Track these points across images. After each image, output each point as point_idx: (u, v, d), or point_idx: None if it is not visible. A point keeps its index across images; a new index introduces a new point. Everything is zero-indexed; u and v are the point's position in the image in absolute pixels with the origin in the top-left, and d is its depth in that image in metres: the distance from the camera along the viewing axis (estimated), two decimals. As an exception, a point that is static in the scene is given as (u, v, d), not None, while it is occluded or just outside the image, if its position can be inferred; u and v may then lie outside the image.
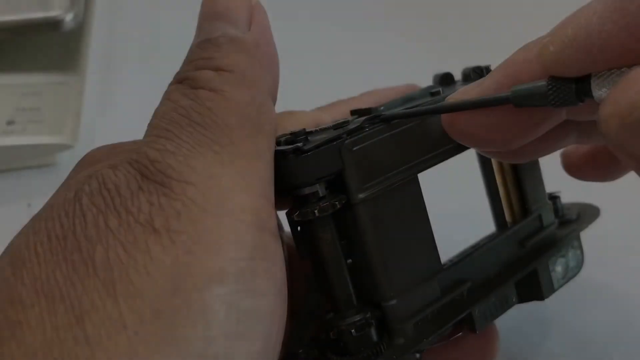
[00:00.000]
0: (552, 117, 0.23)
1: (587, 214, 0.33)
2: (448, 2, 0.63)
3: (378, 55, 0.57)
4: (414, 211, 0.25)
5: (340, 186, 0.24)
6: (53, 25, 0.46)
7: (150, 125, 0.22)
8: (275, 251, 0.21)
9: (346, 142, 0.24)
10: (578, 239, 0.31)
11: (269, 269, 0.20)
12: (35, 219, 0.21)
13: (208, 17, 0.25)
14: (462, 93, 0.23)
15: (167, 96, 0.23)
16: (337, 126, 0.25)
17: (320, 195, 0.24)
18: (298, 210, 0.24)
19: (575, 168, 0.31)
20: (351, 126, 0.24)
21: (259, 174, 0.21)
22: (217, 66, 0.23)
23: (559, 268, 0.30)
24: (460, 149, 0.26)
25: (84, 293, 0.18)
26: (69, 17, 0.46)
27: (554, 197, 0.33)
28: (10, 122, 0.45)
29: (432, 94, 0.28)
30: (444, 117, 0.24)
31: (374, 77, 0.37)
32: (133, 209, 0.19)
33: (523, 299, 0.29)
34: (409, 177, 0.25)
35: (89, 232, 0.19)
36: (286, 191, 0.24)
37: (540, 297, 0.29)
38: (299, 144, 0.23)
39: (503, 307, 0.28)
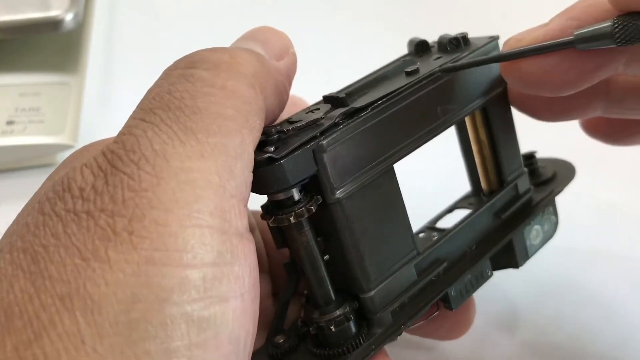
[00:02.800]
0: (611, 63, 0.23)
1: (563, 173, 0.32)
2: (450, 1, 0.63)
3: (376, 52, 0.57)
4: (390, 201, 0.25)
5: (315, 186, 0.23)
6: (53, 25, 0.46)
7: (139, 106, 0.21)
8: (242, 252, 0.20)
9: (320, 143, 0.23)
10: (553, 203, 0.31)
11: (233, 272, 0.19)
12: (4, 234, 0.20)
13: (244, 38, 0.25)
14: (527, 34, 0.24)
15: (164, 76, 0.22)
16: (309, 124, 0.23)
17: (295, 199, 0.23)
18: (273, 216, 0.23)
19: (591, 125, 0.31)
20: (325, 123, 0.23)
21: (237, 173, 0.20)
22: (230, 55, 0.22)
23: (533, 235, 0.30)
24: (434, 133, 0.26)
25: (42, 308, 0.17)
26: (69, 17, 0.46)
27: (529, 157, 0.33)
28: (10, 122, 0.45)
29: (408, 74, 0.26)
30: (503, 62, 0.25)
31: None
32: (95, 211, 0.19)
33: (497, 267, 0.29)
34: (385, 169, 0.25)
35: (47, 241, 0.18)
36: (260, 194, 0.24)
37: (515, 265, 0.30)
38: (271, 153, 0.22)
39: (479, 282, 0.28)
